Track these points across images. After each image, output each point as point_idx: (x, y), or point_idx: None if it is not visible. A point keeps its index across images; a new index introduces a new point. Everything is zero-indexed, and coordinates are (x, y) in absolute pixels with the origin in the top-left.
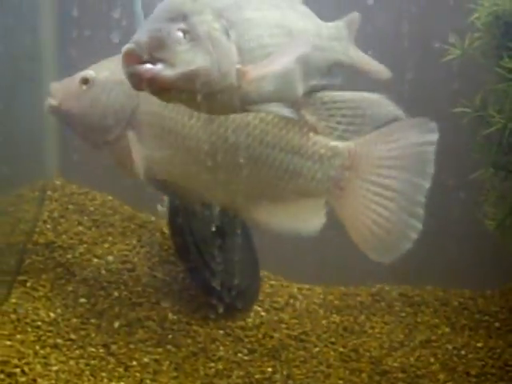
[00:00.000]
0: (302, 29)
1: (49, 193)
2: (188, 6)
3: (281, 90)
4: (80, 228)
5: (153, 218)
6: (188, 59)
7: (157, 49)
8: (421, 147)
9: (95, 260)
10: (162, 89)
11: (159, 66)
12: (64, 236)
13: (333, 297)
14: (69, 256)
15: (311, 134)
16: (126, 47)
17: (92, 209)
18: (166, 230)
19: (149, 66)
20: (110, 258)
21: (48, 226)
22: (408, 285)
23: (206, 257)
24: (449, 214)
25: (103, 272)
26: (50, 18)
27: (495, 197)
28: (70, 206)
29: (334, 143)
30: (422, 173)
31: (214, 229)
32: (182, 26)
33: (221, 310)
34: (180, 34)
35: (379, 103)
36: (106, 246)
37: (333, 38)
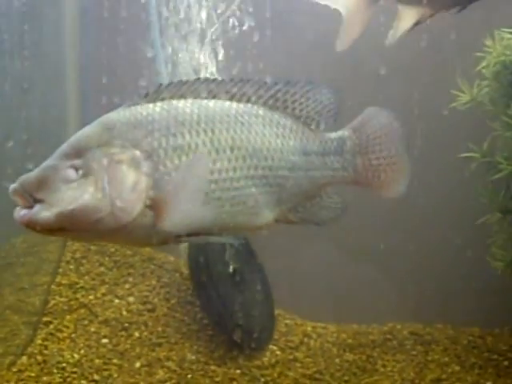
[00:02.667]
0: (274, 147)
1: None
2: (93, 138)
3: (216, 222)
4: (101, 269)
5: (171, 259)
6: (70, 198)
7: (39, 189)
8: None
9: (116, 301)
10: (44, 230)
11: (35, 209)
12: (86, 277)
13: (346, 335)
14: (91, 297)
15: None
16: (11, 187)
17: (113, 250)
18: (185, 271)
19: (24, 210)
20: (131, 298)
21: (71, 267)
22: (419, 323)
23: (223, 297)
24: (458, 256)
25: (124, 313)
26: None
27: (503, 239)
28: (92, 247)
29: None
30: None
31: (231, 270)
32: (76, 162)
33: (238, 350)
34: (70, 171)
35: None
36: (127, 286)
37: (328, 152)
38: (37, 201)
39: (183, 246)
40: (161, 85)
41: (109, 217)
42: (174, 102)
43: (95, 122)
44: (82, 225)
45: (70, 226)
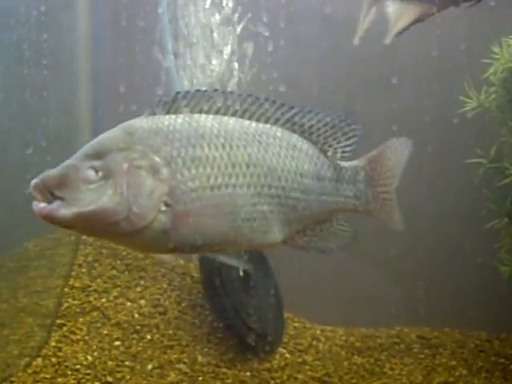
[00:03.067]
0: (288, 169)
1: (83, 237)
2: (114, 142)
3: (226, 236)
4: (113, 272)
5: (182, 262)
6: (89, 199)
7: (59, 186)
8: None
9: (128, 304)
10: (60, 226)
11: (55, 205)
12: (99, 280)
13: (354, 338)
14: (103, 300)
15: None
16: (32, 181)
17: (124, 253)
18: (196, 274)
19: (42, 204)
20: (143, 301)
21: (83, 270)
22: (427, 327)
23: (234, 301)
24: (466, 261)
25: (136, 315)
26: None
27: (510, 244)
28: (104, 251)
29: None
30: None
31: (241, 273)
32: (96, 163)
33: (251, 353)
34: (90, 172)
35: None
36: (139, 289)
37: (342, 180)
38: (56, 198)
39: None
40: (178, 93)
41: (124, 221)
42: (196, 115)
43: (117, 127)
44: (97, 226)
45: (86, 226)
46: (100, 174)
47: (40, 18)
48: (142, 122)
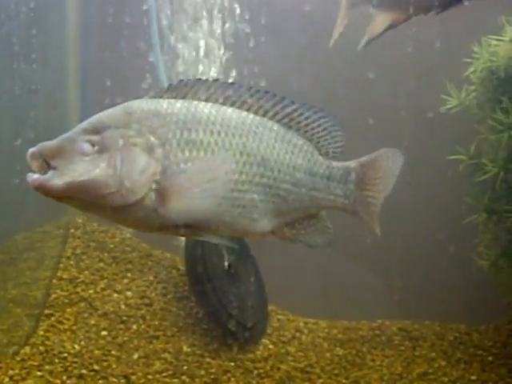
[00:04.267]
0: (281, 161)
1: (72, 230)
2: (113, 119)
3: (215, 219)
4: (101, 264)
5: (168, 255)
6: (82, 169)
7: (54, 156)
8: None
9: (115, 295)
10: (53, 196)
11: (48, 175)
12: (86, 272)
13: (336, 331)
14: (91, 291)
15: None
16: (29, 150)
17: (112, 246)
18: (181, 267)
19: (36, 175)
20: (129, 293)
21: (71, 262)
22: (407, 320)
23: (218, 292)
24: (446, 255)
25: (123, 307)
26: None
27: (488, 239)
28: (92, 244)
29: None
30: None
31: (226, 266)
32: (93, 137)
33: (232, 339)
34: (86, 146)
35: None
36: (125, 281)
37: (333, 178)
38: (51, 168)
39: (180, 241)
40: (182, 81)
41: (116, 194)
42: (195, 102)
43: (117, 106)
44: (89, 197)
45: (78, 197)
46: (96, 148)
47: (29, 14)
48: (141, 103)
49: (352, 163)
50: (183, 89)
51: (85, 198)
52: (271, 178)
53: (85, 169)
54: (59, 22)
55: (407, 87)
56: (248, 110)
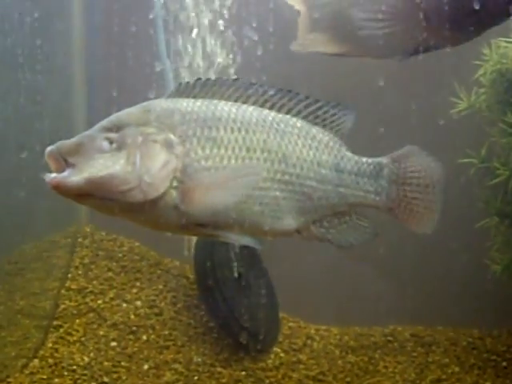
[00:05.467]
0: (305, 158)
1: (80, 239)
2: (132, 117)
3: (237, 217)
4: (110, 274)
5: (177, 264)
6: (101, 166)
7: (73, 154)
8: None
9: (124, 305)
10: (72, 194)
11: (66, 173)
12: (95, 282)
13: (348, 337)
14: (100, 301)
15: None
16: (47, 149)
17: (120, 255)
18: (191, 275)
19: (54, 174)
20: (139, 302)
21: (80, 272)
22: (420, 325)
23: (229, 301)
24: (458, 260)
25: (132, 316)
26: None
27: (500, 243)
28: (100, 253)
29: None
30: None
31: (236, 275)
32: (112, 135)
33: (244, 352)
34: (105, 143)
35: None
36: (135, 291)
37: (363, 174)
38: (69, 165)
39: (190, 250)
40: (199, 79)
41: (136, 190)
42: (215, 100)
43: (137, 105)
44: (108, 194)
45: (97, 193)
46: (114, 145)
47: (34, 24)
48: (161, 102)
49: (384, 159)
50: (203, 88)
51: (104, 196)
52: (294, 175)
53: (103, 165)
54: (64, 32)
55: (418, 91)
56: (270, 108)
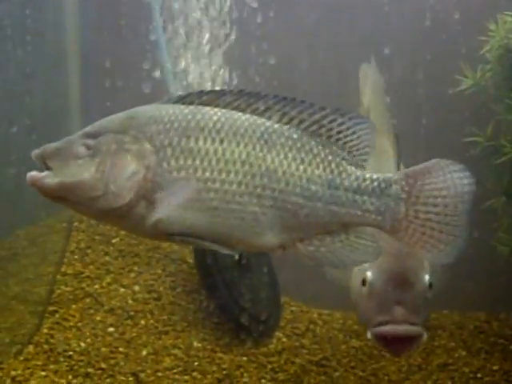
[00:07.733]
0: (292, 172)
1: (75, 224)
2: (113, 124)
3: (209, 230)
4: (106, 258)
5: (176, 248)
6: (73, 172)
7: (52, 157)
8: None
9: (122, 290)
10: (46, 195)
11: (43, 174)
12: (91, 266)
13: (352, 321)
14: (96, 286)
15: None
16: (34, 151)
17: (117, 239)
18: (190, 260)
19: (34, 172)
20: (137, 287)
21: (76, 257)
22: None
23: (229, 285)
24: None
25: (130, 301)
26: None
27: (508, 224)
28: (97, 237)
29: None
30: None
31: (237, 257)
32: (90, 141)
33: (245, 334)
34: (82, 149)
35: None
36: (132, 275)
37: (363, 192)
38: (48, 168)
39: None
40: (202, 91)
41: (102, 198)
42: (207, 108)
43: (125, 111)
44: (78, 199)
45: (69, 197)
46: (90, 151)
47: None
48: (147, 109)
49: (396, 174)
50: (203, 96)
51: (75, 200)
52: (276, 191)
53: (76, 171)
54: (56, 3)
55: (423, 70)
56: (271, 117)
